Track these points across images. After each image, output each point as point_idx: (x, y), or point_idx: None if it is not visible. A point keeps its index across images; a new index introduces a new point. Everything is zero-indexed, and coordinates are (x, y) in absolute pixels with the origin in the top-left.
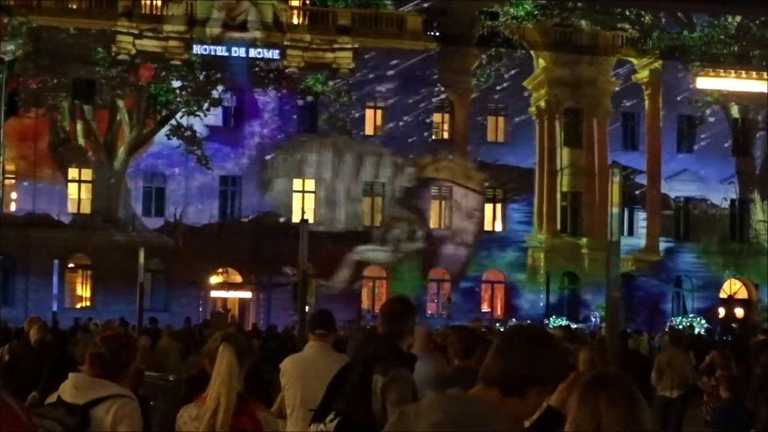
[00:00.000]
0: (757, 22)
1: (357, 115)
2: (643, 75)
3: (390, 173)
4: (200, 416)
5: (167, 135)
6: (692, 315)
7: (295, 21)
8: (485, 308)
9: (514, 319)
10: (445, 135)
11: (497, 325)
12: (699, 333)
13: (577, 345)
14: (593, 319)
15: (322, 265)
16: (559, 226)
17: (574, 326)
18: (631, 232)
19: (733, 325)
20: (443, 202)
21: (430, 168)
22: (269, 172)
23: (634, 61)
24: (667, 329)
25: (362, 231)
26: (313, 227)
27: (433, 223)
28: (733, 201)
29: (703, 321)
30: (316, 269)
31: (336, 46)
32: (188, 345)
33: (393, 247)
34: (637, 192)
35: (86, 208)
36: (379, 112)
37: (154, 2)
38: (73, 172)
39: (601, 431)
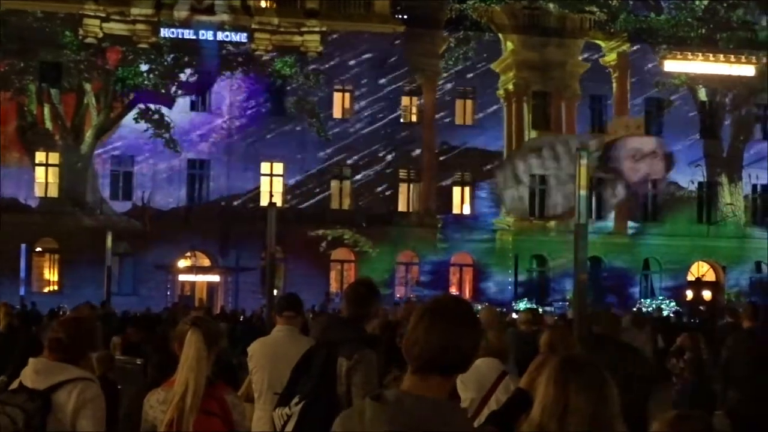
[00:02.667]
0: (725, 4)
1: (325, 98)
2: (610, 58)
3: (358, 156)
4: (168, 400)
5: (135, 118)
6: (661, 297)
7: (263, 4)
8: (453, 291)
9: (480, 303)
10: (414, 118)
11: None
12: (668, 315)
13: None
14: (561, 303)
15: (290, 249)
16: (527, 209)
17: (541, 309)
18: (599, 215)
19: (701, 307)
20: (411, 185)
21: (399, 151)
22: (237, 156)
23: (602, 44)
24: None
25: (330, 214)
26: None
27: (401, 206)
28: (700, 183)
29: (672, 303)
30: (285, 252)
31: (304, 29)
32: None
33: (361, 230)
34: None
35: (53, 192)
36: (347, 95)
37: None
38: (40, 156)
39: (568, 412)
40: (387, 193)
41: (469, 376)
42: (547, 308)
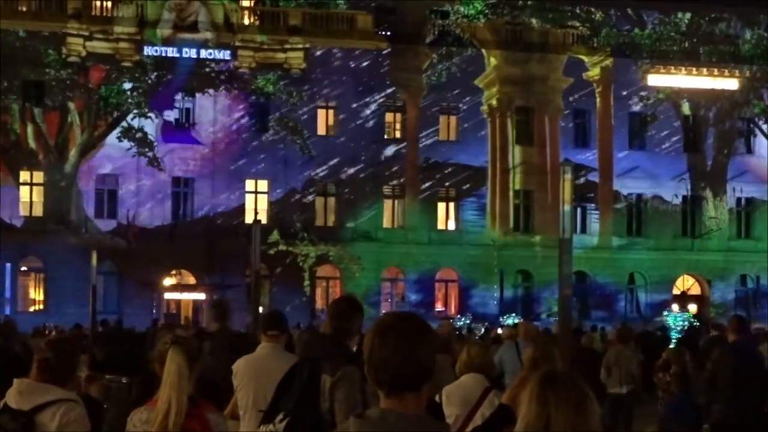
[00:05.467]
0: (707, 18)
1: (308, 114)
2: (594, 73)
3: (342, 173)
4: (151, 419)
5: (118, 137)
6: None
7: (246, 21)
8: (439, 307)
9: (464, 318)
10: (398, 134)
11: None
12: (654, 331)
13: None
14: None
15: (275, 266)
16: (512, 224)
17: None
18: (584, 230)
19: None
20: (396, 201)
21: (383, 167)
22: (221, 173)
23: (585, 58)
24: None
25: (315, 231)
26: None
27: (386, 222)
28: (684, 197)
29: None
30: (270, 270)
31: (287, 46)
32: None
33: (346, 246)
34: (589, 189)
35: (38, 211)
36: (330, 111)
37: (105, 4)
38: (24, 175)
39: (550, 428)
40: (371, 209)
41: (454, 392)
42: (535, 323)
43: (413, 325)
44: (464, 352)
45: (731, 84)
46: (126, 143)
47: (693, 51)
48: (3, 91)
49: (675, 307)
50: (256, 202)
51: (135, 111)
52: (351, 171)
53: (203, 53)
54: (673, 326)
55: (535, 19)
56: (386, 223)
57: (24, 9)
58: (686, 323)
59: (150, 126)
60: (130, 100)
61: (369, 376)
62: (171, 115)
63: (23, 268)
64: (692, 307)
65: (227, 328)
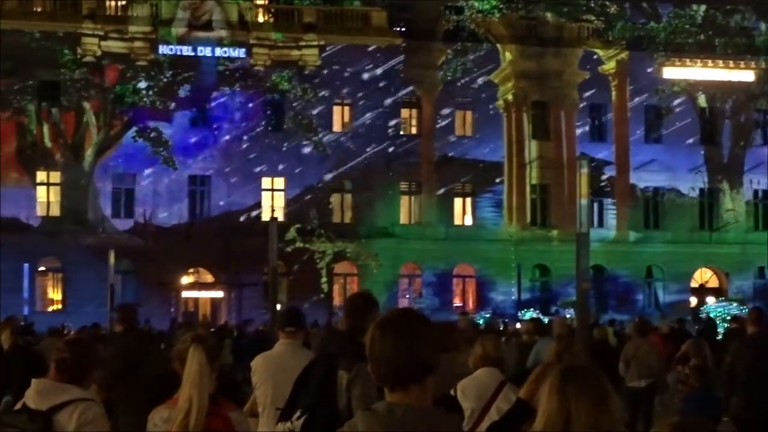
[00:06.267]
0: (722, 11)
1: (324, 112)
2: (609, 66)
3: (358, 169)
4: (172, 418)
5: (133, 137)
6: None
7: (261, 19)
8: (457, 302)
9: (483, 313)
10: (413, 130)
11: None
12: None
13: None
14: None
15: (292, 263)
16: (528, 219)
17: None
18: (601, 224)
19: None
20: (412, 198)
21: (399, 163)
22: (237, 171)
23: (600, 52)
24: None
25: (332, 227)
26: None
27: (403, 218)
28: (701, 190)
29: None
30: (287, 267)
31: (302, 43)
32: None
33: (363, 243)
34: (605, 183)
35: (55, 211)
36: (346, 108)
37: (119, 3)
38: (41, 175)
39: (571, 423)
40: (388, 205)
41: (469, 386)
42: (552, 317)
43: (412, 320)
44: (478, 346)
45: (747, 76)
46: (142, 142)
47: (708, 43)
48: (19, 92)
49: (711, 299)
50: (273, 200)
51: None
52: (367, 167)
53: (218, 51)
54: (716, 316)
55: (549, 13)
56: (403, 219)
57: (39, 10)
58: (729, 312)
59: (165, 125)
60: (145, 99)
61: (372, 372)
62: (187, 114)
63: (41, 268)
64: (710, 300)
65: (135, 328)
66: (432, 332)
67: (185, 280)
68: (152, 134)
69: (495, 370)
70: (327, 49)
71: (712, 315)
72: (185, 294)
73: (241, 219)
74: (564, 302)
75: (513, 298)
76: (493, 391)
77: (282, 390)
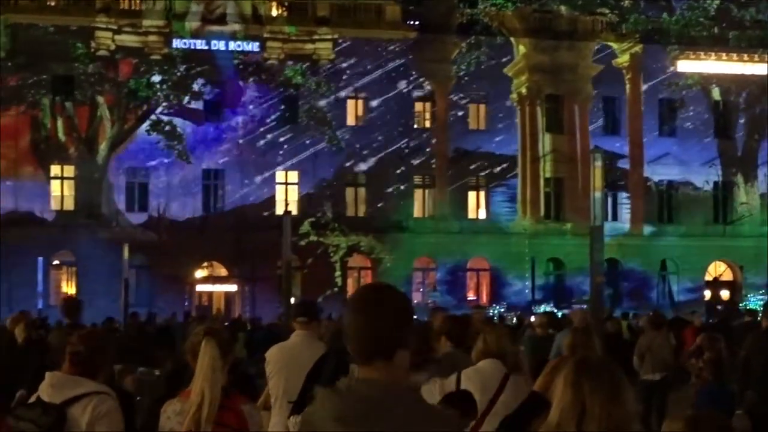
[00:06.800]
0: (737, 3)
1: (337, 105)
2: (623, 59)
3: (372, 163)
4: (184, 411)
5: (147, 131)
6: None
7: (274, 13)
8: (471, 296)
9: (498, 307)
10: (427, 124)
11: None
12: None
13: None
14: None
15: (306, 257)
16: (542, 212)
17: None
18: (615, 217)
19: (718, 307)
20: (426, 191)
21: (412, 157)
22: (251, 165)
23: (614, 45)
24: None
25: (346, 221)
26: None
27: (417, 212)
28: (715, 183)
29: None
30: (301, 260)
31: (315, 37)
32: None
33: (377, 236)
34: (619, 176)
35: (69, 205)
36: (359, 102)
37: None
38: (55, 169)
39: (585, 415)
40: (402, 199)
41: (473, 376)
42: (565, 311)
43: (383, 294)
44: (480, 340)
45: (761, 69)
46: (155, 136)
47: (722, 36)
48: (33, 86)
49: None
50: (287, 194)
51: (164, 103)
52: (381, 161)
53: (232, 45)
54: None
55: (563, 6)
56: (417, 212)
57: (52, 4)
58: None
59: (179, 119)
60: (159, 93)
61: (347, 348)
62: (200, 107)
63: (55, 262)
64: (724, 293)
65: (78, 324)
66: (407, 310)
67: (199, 273)
68: (167, 128)
69: (498, 361)
70: (340, 42)
71: (753, 307)
72: (199, 288)
73: (255, 213)
74: (580, 297)
75: (527, 291)
76: (498, 383)
77: (294, 381)
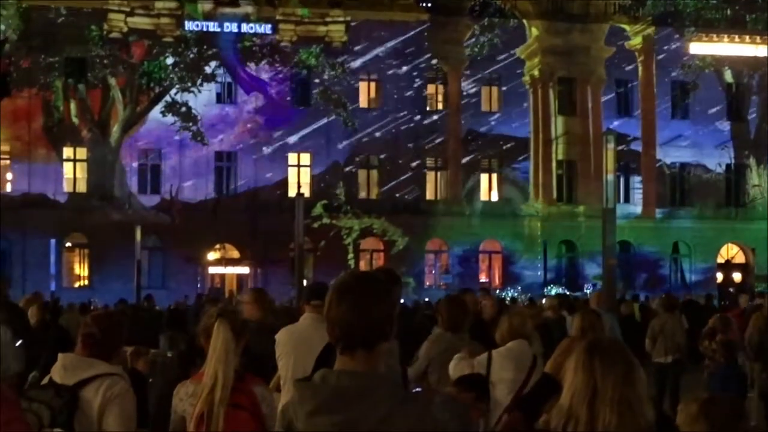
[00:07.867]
0: None
1: (351, 87)
2: (636, 42)
3: (384, 145)
4: (197, 393)
5: (162, 112)
6: None
7: None
8: (483, 278)
9: (511, 290)
10: (440, 106)
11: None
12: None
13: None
14: (589, 288)
15: (318, 239)
16: (555, 195)
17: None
18: (627, 200)
19: (731, 289)
20: (439, 173)
21: (425, 139)
22: (264, 147)
23: (627, 27)
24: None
25: (358, 203)
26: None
27: (429, 194)
28: (728, 166)
29: None
30: (313, 243)
31: (328, 19)
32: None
33: (390, 219)
34: (632, 159)
35: (82, 187)
36: (372, 84)
37: None
38: (68, 151)
39: (597, 397)
40: (414, 181)
41: (507, 356)
42: (578, 293)
43: (369, 284)
44: (505, 321)
45: None
46: (169, 118)
47: (735, 19)
48: (46, 69)
49: (719, 275)
50: (299, 176)
51: (178, 85)
52: (393, 143)
53: (244, 27)
54: None
55: None
56: (429, 194)
57: None
58: None
59: (193, 100)
60: (172, 75)
61: (329, 335)
62: (213, 90)
63: (68, 244)
64: (736, 276)
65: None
66: (390, 299)
67: (212, 256)
68: (181, 109)
69: (525, 342)
70: (353, 24)
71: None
72: (212, 270)
73: (267, 195)
74: (595, 277)
75: (539, 273)
76: (530, 363)
77: (303, 363)
